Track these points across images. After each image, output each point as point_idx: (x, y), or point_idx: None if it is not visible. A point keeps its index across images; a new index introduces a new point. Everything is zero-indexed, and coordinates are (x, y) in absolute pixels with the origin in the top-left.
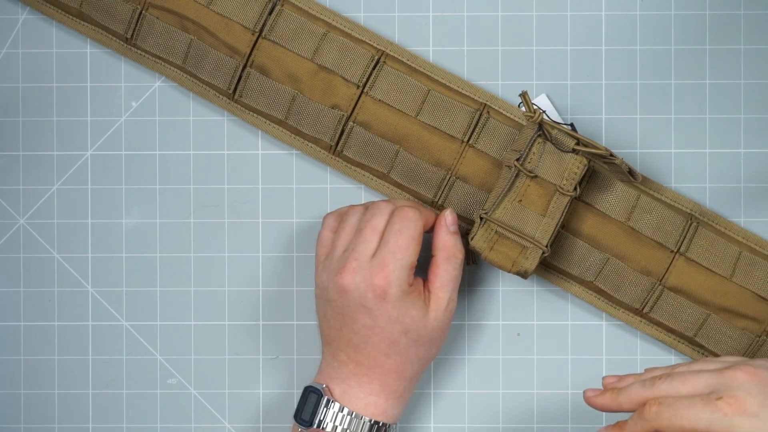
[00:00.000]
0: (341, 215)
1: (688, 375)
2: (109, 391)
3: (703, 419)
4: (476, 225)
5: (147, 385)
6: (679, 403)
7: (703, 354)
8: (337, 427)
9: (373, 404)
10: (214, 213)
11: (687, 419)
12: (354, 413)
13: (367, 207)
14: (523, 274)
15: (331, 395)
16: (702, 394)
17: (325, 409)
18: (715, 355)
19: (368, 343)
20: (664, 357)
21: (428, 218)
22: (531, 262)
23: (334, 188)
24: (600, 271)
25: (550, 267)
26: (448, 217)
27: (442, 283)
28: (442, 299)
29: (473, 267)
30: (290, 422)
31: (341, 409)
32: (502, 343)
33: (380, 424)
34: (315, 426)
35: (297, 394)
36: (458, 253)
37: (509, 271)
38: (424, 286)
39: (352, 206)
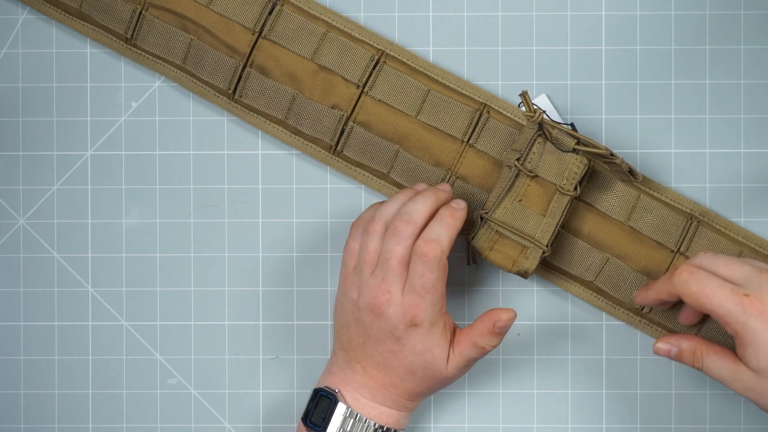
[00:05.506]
0: (364, 225)
1: (733, 260)
2: (109, 391)
3: (725, 306)
4: (476, 225)
5: (147, 385)
6: (709, 281)
7: None
8: (345, 431)
9: (386, 414)
10: (214, 213)
11: (710, 299)
12: (366, 420)
13: (386, 226)
14: (524, 274)
15: (344, 401)
16: (736, 283)
17: (339, 414)
18: None
19: (389, 365)
20: (664, 357)
21: (460, 221)
22: (531, 262)
23: (334, 188)
24: (600, 271)
25: (550, 267)
26: (501, 320)
27: (461, 353)
28: (461, 363)
29: (473, 267)
30: (290, 422)
31: (353, 415)
32: (502, 343)
33: (392, 431)
34: (327, 430)
35: (297, 394)
36: (486, 347)
37: (509, 271)
38: (453, 332)
39: (371, 222)
